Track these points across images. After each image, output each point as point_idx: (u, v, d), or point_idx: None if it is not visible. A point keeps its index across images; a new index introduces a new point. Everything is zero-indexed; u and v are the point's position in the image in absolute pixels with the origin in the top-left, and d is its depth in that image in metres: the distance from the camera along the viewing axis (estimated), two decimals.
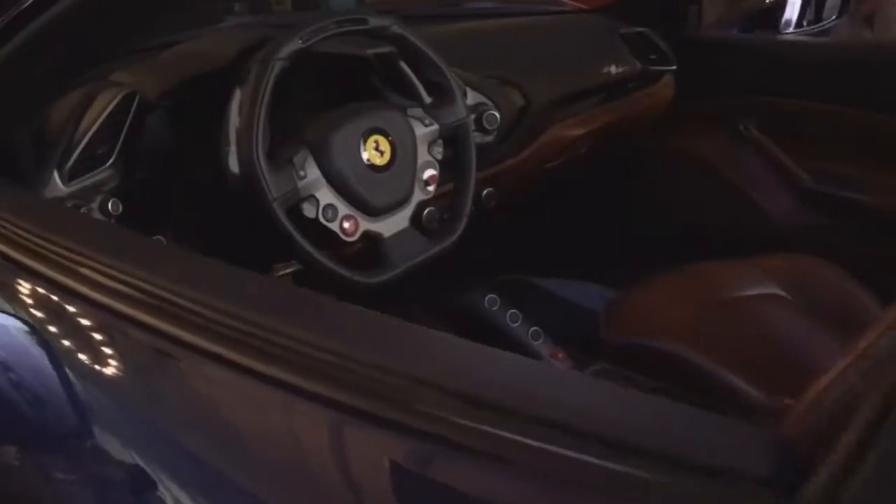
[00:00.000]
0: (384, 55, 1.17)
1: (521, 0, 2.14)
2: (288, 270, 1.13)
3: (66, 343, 0.76)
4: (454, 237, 1.10)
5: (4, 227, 0.81)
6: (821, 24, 1.87)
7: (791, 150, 1.62)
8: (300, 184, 0.98)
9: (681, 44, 1.65)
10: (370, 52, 1.17)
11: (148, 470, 0.67)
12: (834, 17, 1.80)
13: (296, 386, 0.56)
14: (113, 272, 0.69)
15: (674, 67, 1.64)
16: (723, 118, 1.68)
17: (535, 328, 1.36)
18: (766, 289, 1.34)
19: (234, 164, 0.97)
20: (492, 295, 1.37)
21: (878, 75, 1.53)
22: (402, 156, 1.06)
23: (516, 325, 1.36)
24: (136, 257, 0.72)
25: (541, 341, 1.35)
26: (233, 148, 0.97)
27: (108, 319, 0.70)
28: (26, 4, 0.82)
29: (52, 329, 0.77)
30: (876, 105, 1.51)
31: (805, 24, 1.89)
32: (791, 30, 1.86)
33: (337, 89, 1.17)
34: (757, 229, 1.66)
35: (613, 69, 1.56)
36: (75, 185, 0.95)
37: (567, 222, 1.74)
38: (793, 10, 1.86)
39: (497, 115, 1.27)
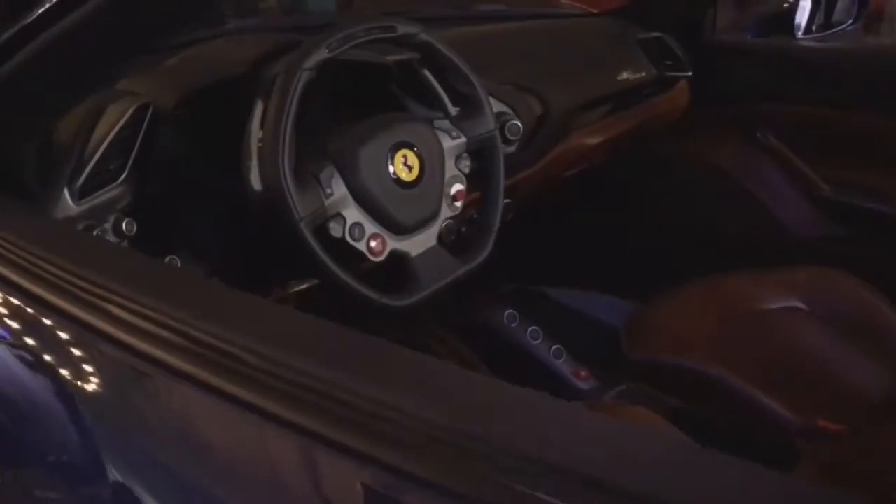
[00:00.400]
0: (403, 62, 1.12)
1: (526, 3, 2.10)
2: (301, 287, 1.08)
3: (76, 380, 0.71)
4: (483, 255, 1.05)
5: (13, 252, 0.75)
6: (832, 29, 1.82)
7: (809, 158, 1.59)
8: (327, 202, 0.92)
9: (696, 49, 1.61)
10: (389, 59, 1.12)
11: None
12: (850, 22, 1.75)
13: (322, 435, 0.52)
14: (133, 306, 0.64)
15: (689, 73, 1.61)
16: (739, 125, 1.64)
17: (556, 346, 1.31)
18: (789, 302, 1.32)
19: (256, 181, 0.92)
20: (511, 311, 1.33)
21: None
22: (431, 171, 1.01)
23: (537, 342, 1.31)
24: (152, 288, 0.67)
25: (563, 360, 1.30)
26: (254, 163, 0.92)
27: (126, 356, 0.64)
28: (32, 17, 0.76)
29: (62, 362, 0.72)
30: None
31: (814, 29, 1.84)
32: (801, 34, 1.81)
33: (355, 98, 1.11)
34: (773, 239, 1.63)
35: (630, 75, 1.52)
36: (86, 204, 0.88)
37: (579, 231, 1.70)
38: (803, 14, 1.81)
39: (519, 124, 1.22)
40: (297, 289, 1.07)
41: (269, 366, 0.55)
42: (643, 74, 1.55)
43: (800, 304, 1.31)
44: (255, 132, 0.92)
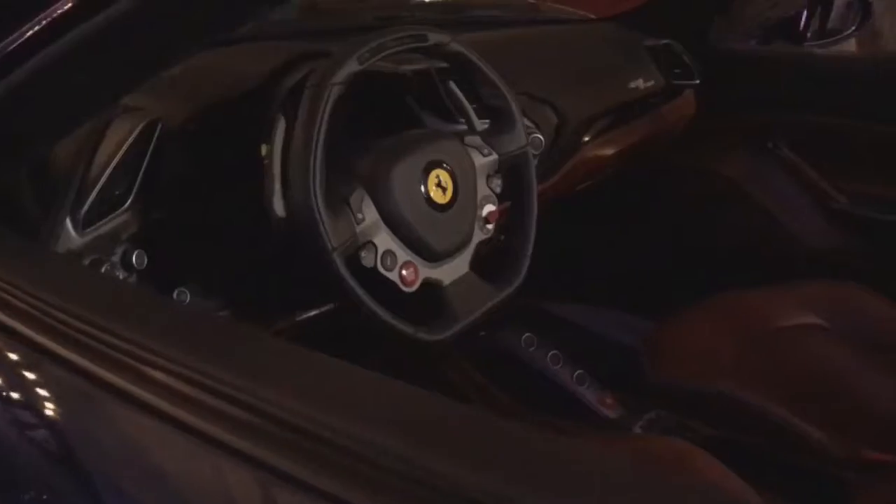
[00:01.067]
0: (421, 73, 1.04)
1: (517, 9, 2.02)
2: (311, 314, 0.99)
3: (84, 434, 0.64)
4: (518, 281, 0.98)
5: (12, 294, 0.65)
6: (827, 38, 1.78)
7: (822, 168, 1.55)
8: (358, 228, 0.84)
9: (705, 56, 1.56)
10: (406, 69, 1.04)
11: None
12: (853, 29, 1.72)
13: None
14: (159, 360, 0.56)
15: (697, 82, 1.56)
16: (749, 134, 1.60)
17: (579, 371, 1.24)
18: (806, 318, 1.27)
19: (279, 207, 0.83)
20: (528, 334, 1.25)
21: None
22: (464, 191, 0.93)
23: (558, 367, 1.24)
24: (170, 339, 0.59)
25: (586, 385, 1.23)
26: (278, 187, 0.83)
27: (140, 414, 0.56)
28: (30, 33, 0.67)
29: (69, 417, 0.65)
30: None
31: (808, 35, 1.81)
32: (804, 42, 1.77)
33: (370, 111, 1.03)
34: (785, 252, 1.59)
35: (641, 83, 1.47)
36: (91, 234, 0.78)
37: (588, 246, 1.64)
38: (804, 21, 1.77)
39: (542, 138, 1.16)
40: (302, 318, 0.99)
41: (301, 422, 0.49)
42: (653, 83, 1.50)
43: (818, 321, 1.27)
44: (277, 152, 0.84)
